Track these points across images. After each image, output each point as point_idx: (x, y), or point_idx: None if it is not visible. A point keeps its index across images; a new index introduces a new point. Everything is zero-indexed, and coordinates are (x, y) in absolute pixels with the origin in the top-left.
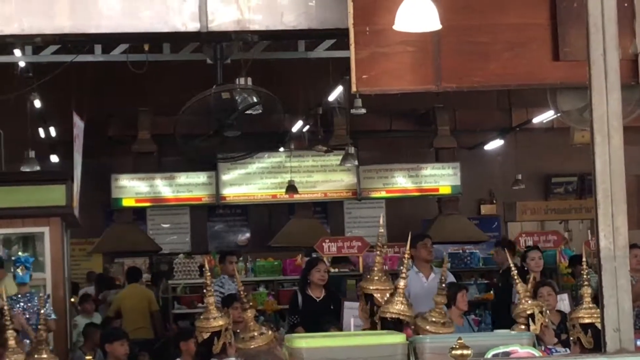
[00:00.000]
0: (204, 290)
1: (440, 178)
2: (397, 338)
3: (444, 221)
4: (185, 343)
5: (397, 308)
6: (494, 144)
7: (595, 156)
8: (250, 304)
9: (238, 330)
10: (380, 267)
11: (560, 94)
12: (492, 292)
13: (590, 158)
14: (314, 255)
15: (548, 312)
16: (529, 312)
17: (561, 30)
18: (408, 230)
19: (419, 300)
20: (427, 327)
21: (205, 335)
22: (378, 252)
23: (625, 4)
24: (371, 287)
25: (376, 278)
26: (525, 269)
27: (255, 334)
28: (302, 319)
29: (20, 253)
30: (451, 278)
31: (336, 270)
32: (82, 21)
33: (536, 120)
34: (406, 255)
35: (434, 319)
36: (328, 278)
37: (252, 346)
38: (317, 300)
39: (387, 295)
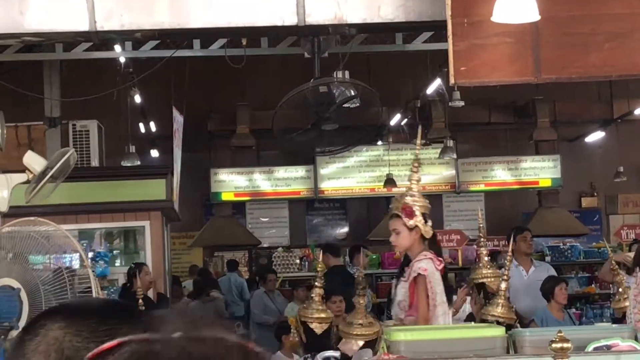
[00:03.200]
0: (314, 282)
1: (540, 171)
2: (496, 331)
3: (544, 214)
4: (287, 336)
5: (499, 310)
6: (595, 136)
7: None
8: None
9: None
10: (485, 258)
11: None
12: (592, 285)
13: None
14: None
15: None
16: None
17: None
18: (508, 223)
19: (519, 293)
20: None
21: (313, 326)
22: (481, 244)
23: None
24: (481, 277)
25: (485, 268)
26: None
27: (362, 321)
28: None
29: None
30: (552, 271)
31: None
32: (181, 16)
33: (638, 111)
34: (508, 257)
35: None
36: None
37: (355, 333)
38: None
39: (498, 283)
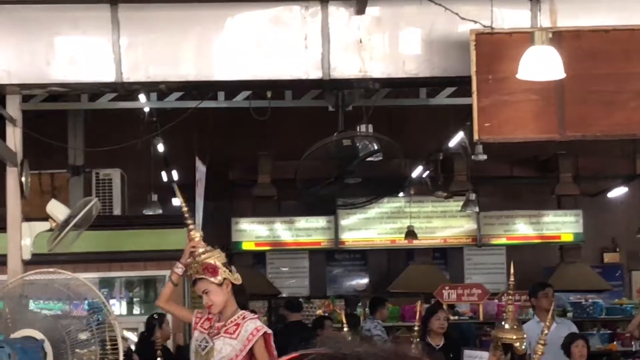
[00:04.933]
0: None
1: (562, 225)
2: None
3: (565, 269)
4: None
5: None
6: (618, 192)
7: None
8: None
9: None
10: (512, 316)
11: None
12: (614, 342)
13: None
14: (433, 301)
15: None
16: None
17: None
18: (529, 277)
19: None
20: None
21: None
22: (509, 301)
23: None
24: (511, 337)
25: (515, 327)
26: None
27: None
28: None
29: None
30: (573, 328)
31: (456, 318)
32: (206, 69)
33: None
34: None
35: None
36: (448, 326)
37: None
38: (437, 348)
39: (524, 344)
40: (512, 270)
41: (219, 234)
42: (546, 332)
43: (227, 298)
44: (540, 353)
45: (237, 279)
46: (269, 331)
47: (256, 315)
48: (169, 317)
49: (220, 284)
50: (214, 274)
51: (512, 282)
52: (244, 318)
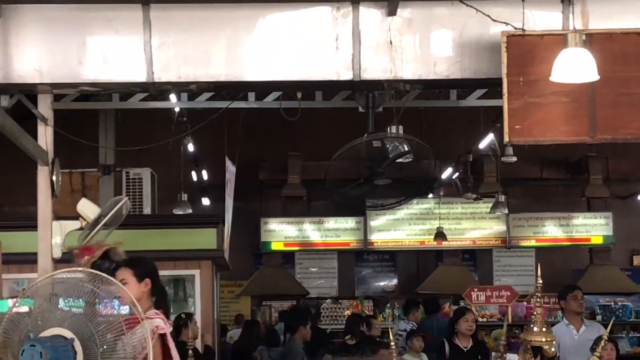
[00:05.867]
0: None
1: (592, 228)
2: None
3: (595, 271)
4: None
5: None
6: None
7: None
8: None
9: None
10: (541, 318)
11: None
12: None
13: None
14: (461, 303)
15: None
16: None
17: None
18: (558, 280)
19: (568, 353)
20: None
21: None
22: (537, 303)
23: None
24: (540, 339)
25: (544, 329)
26: None
27: None
28: None
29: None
30: (602, 331)
31: (484, 319)
32: (237, 69)
33: None
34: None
35: None
36: (476, 328)
37: None
38: (465, 350)
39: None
40: (539, 272)
41: (248, 233)
42: (603, 344)
43: (142, 297)
44: None
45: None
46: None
47: (160, 315)
48: (197, 316)
49: (140, 280)
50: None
51: (540, 284)
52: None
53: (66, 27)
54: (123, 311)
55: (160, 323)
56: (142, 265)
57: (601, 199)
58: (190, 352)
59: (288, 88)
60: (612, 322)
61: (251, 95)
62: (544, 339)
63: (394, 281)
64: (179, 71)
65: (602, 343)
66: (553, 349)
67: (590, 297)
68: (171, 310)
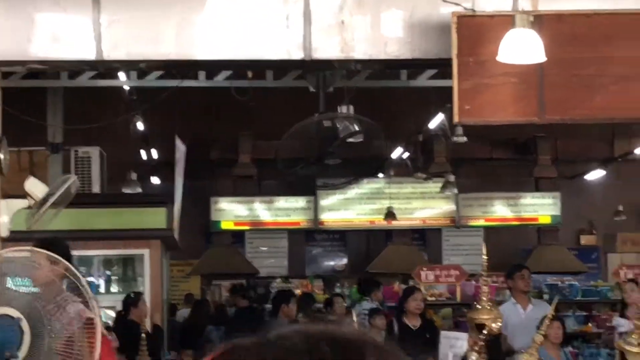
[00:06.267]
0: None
1: (540, 207)
2: None
3: (543, 251)
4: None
5: (529, 358)
6: (595, 174)
7: None
8: None
9: None
10: (487, 297)
11: None
12: (589, 324)
13: None
14: (411, 282)
15: None
16: None
17: None
18: (507, 259)
19: (516, 331)
20: None
21: None
22: (483, 283)
23: None
24: (485, 317)
25: (487, 307)
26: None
27: None
28: (398, 347)
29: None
30: (548, 309)
31: (433, 298)
32: (187, 48)
33: (639, 151)
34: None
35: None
36: (425, 307)
37: None
38: (414, 329)
39: (499, 324)
40: (484, 252)
41: (198, 213)
42: (547, 322)
43: (54, 280)
44: (539, 342)
45: None
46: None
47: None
48: (146, 296)
49: (52, 262)
50: None
51: (486, 263)
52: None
53: (14, 5)
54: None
55: (81, 307)
56: (58, 247)
57: (549, 179)
58: (142, 335)
59: (239, 67)
60: (555, 300)
61: (201, 74)
62: (488, 317)
63: (344, 260)
64: (128, 49)
65: (547, 321)
66: (498, 326)
67: (537, 277)
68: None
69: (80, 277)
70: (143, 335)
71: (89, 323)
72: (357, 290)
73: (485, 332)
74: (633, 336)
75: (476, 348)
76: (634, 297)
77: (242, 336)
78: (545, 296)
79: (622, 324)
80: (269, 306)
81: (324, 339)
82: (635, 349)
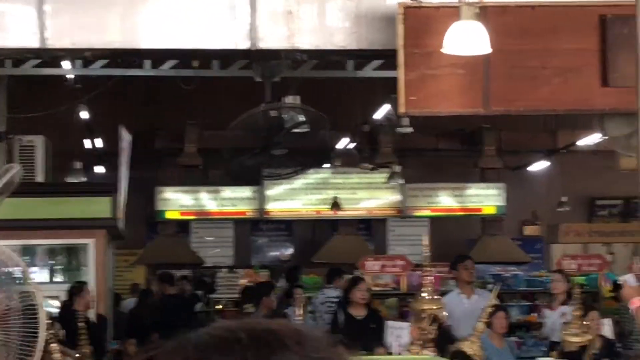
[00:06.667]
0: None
1: (485, 198)
2: None
3: (487, 241)
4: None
5: (472, 348)
6: (539, 165)
7: None
8: None
9: None
10: (430, 287)
11: (608, 119)
12: (533, 314)
13: (636, 185)
14: (356, 273)
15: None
16: (581, 344)
17: (610, 56)
18: (452, 249)
19: (460, 321)
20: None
21: None
22: (426, 273)
23: None
24: (431, 307)
25: (427, 298)
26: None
27: None
28: (343, 337)
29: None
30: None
31: (378, 289)
32: (133, 37)
33: (582, 142)
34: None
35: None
36: (370, 297)
37: None
38: (358, 319)
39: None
40: (425, 243)
41: (144, 202)
42: (489, 310)
43: None
44: (480, 330)
45: None
46: None
47: None
48: (90, 285)
49: None
50: None
51: (427, 254)
52: None
53: None
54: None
55: None
56: None
57: (494, 169)
58: (82, 323)
59: (184, 56)
60: (496, 289)
61: (147, 63)
62: (431, 307)
63: (290, 250)
64: (73, 38)
65: (488, 309)
66: (440, 315)
67: (481, 267)
68: None
69: None
70: (82, 324)
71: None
72: (327, 280)
73: (426, 322)
74: (573, 326)
75: (420, 337)
76: (560, 287)
77: (168, 325)
78: (490, 286)
79: (547, 315)
80: (214, 296)
81: (243, 331)
82: (575, 339)
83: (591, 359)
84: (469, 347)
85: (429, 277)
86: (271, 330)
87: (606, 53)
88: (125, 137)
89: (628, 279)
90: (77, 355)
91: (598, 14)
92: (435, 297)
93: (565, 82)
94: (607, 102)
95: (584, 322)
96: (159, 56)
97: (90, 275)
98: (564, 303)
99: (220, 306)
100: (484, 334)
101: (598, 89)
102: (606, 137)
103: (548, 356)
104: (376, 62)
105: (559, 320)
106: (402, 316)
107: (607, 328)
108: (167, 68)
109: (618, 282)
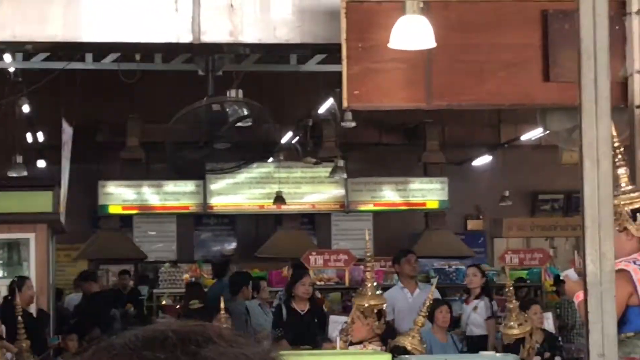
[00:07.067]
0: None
1: (428, 192)
2: (382, 357)
3: (430, 236)
4: None
5: (411, 342)
6: (482, 160)
7: (584, 181)
8: None
9: None
10: (372, 282)
11: (550, 114)
12: None
13: (578, 179)
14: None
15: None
16: (519, 337)
17: (552, 51)
18: (395, 244)
19: (403, 315)
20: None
21: None
22: (367, 268)
23: (617, 27)
24: (374, 302)
25: (371, 293)
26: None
27: None
28: (286, 332)
29: None
30: (436, 294)
31: (322, 283)
32: (74, 30)
33: (524, 137)
34: None
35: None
36: (313, 291)
37: None
38: (302, 313)
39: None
40: (367, 238)
41: (86, 196)
42: (428, 304)
43: None
44: (420, 324)
45: None
46: None
47: None
48: (32, 280)
49: None
50: None
51: (368, 248)
52: None
53: None
54: None
55: None
56: None
57: (437, 164)
58: (19, 318)
59: (126, 50)
60: (434, 282)
61: (89, 57)
62: (372, 302)
63: (233, 245)
64: (14, 31)
65: (428, 303)
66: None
67: (425, 261)
68: None
69: None
70: (20, 319)
71: None
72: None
73: (369, 316)
74: (510, 319)
75: (362, 333)
76: (475, 281)
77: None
78: (433, 280)
79: (464, 309)
80: (157, 291)
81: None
82: (513, 331)
83: (535, 353)
84: (408, 342)
85: (371, 272)
86: (197, 329)
87: (548, 48)
88: (67, 131)
89: (569, 273)
90: (16, 350)
91: (540, 9)
92: (377, 292)
93: (507, 77)
94: (549, 97)
95: (524, 314)
96: (100, 49)
97: (31, 270)
98: (477, 297)
99: (164, 301)
100: (427, 329)
101: (540, 83)
102: (548, 132)
103: None
104: (320, 56)
105: (472, 314)
106: (346, 310)
107: (549, 322)
108: (109, 62)
109: (560, 277)
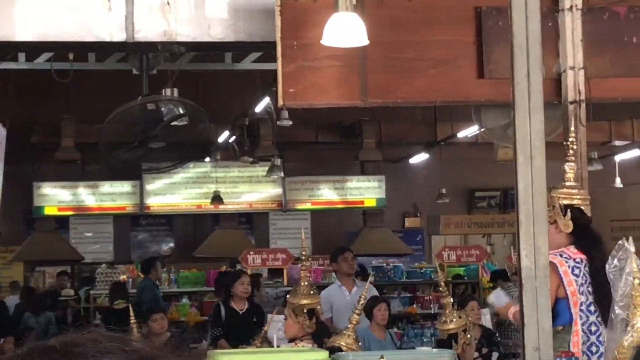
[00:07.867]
0: None
1: (366, 191)
2: (319, 355)
3: (368, 234)
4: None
5: (346, 341)
6: (419, 158)
7: (517, 176)
8: None
9: None
10: (307, 281)
11: (484, 111)
12: (414, 305)
13: (513, 176)
14: (238, 266)
15: (470, 326)
16: (452, 331)
17: (486, 48)
18: (333, 242)
19: (341, 313)
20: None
21: None
22: (303, 267)
23: (550, 24)
24: (305, 302)
25: (305, 292)
26: None
27: None
28: (225, 331)
29: None
30: (374, 292)
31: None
32: (7, 29)
33: (461, 134)
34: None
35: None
36: (252, 290)
37: None
38: (240, 312)
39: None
40: (303, 237)
41: (20, 198)
42: (363, 301)
43: None
44: (355, 322)
45: None
46: None
47: None
48: None
49: None
50: None
51: (305, 247)
52: None
53: None
54: None
55: None
56: None
57: (374, 162)
58: None
59: (59, 49)
60: (370, 279)
61: (21, 56)
62: (308, 301)
63: (171, 245)
64: None
65: (361, 300)
66: (318, 309)
67: (363, 259)
68: None
69: None
70: None
71: None
72: None
73: (303, 315)
74: (445, 315)
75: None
76: None
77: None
78: (371, 278)
79: None
80: (94, 292)
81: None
82: (449, 326)
83: (475, 349)
84: (343, 341)
85: (305, 271)
86: (86, 336)
87: (482, 45)
88: (1, 132)
89: (494, 300)
90: None
91: (473, 5)
92: (312, 291)
93: (441, 74)
94: (483, 94)
95: (460, 310)
96: (33, 49)
97: None
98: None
99: (101, 302)
100: (365, 326)
101: (474, 80)
102: (483, 129)
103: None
104: (255, 55)
105: None
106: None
107: (486, 318)
108: (42, 61)
109: (488, 303)
